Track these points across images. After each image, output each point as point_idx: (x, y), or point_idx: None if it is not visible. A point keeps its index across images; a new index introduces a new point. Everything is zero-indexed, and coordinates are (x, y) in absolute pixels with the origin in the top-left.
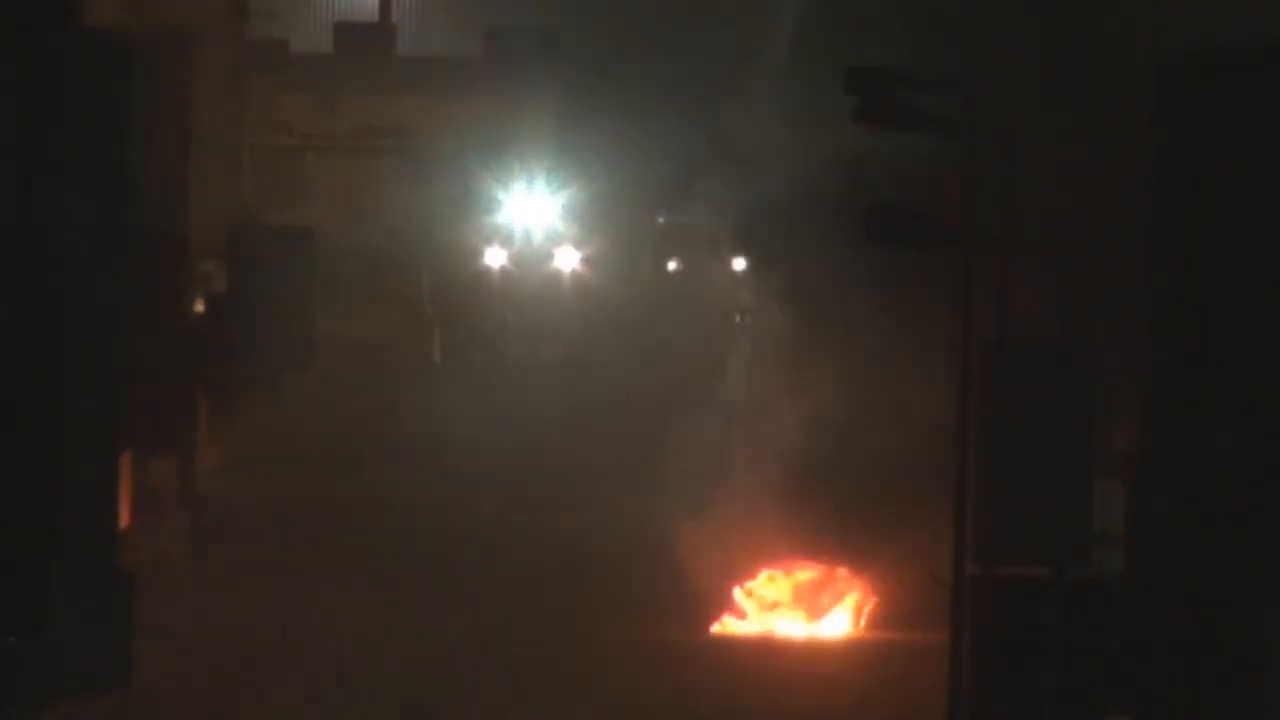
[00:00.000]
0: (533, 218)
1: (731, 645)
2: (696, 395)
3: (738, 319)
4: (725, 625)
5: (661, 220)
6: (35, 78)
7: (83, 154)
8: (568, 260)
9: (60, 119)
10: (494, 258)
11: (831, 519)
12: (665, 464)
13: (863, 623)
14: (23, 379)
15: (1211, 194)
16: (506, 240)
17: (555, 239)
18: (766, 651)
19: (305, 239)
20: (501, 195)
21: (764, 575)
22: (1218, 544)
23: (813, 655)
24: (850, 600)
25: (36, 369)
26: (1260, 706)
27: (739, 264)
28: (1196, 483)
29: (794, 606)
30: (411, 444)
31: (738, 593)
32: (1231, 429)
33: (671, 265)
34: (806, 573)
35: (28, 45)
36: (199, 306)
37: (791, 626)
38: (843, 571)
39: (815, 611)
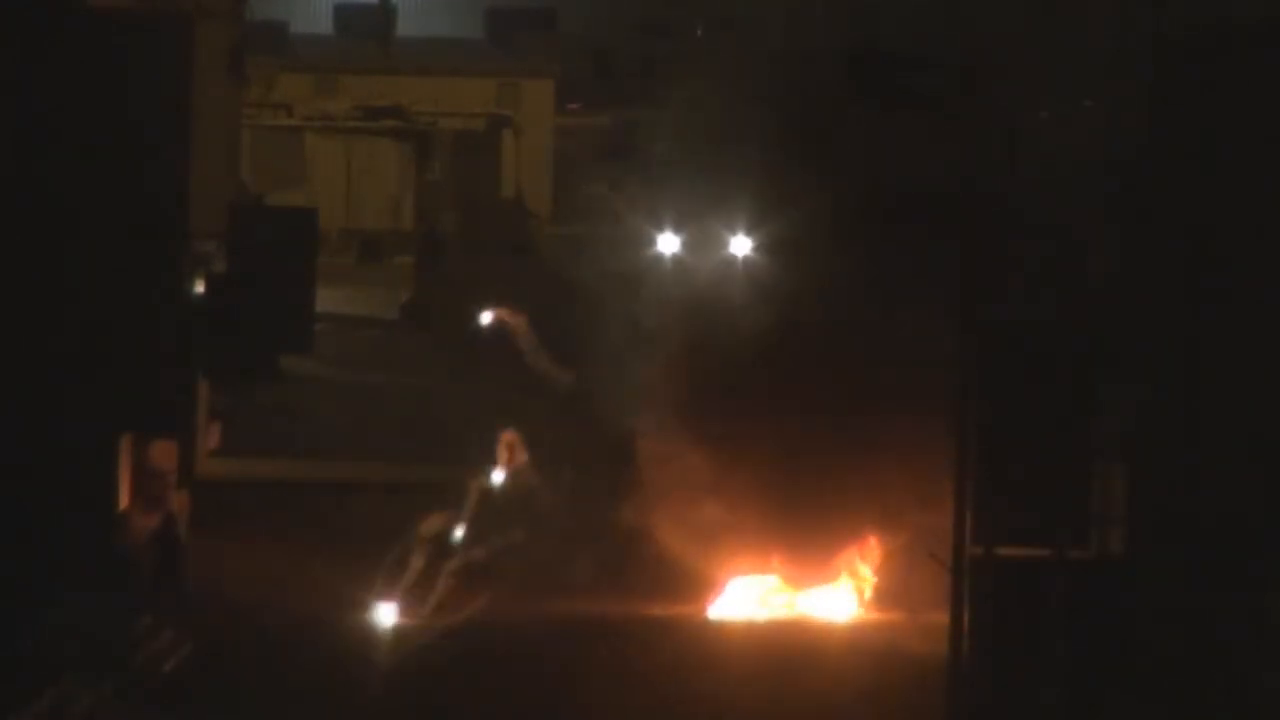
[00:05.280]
0: None
1: (730, 628)
2: None
3: None
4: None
5: None
6: (36, 58)
7: (83, 134)
8: None
9: (61, 99)
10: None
11: None
12: None
13: (865, 603)
14: (24, 360)
15: (1211, 175)
16: None
17: None
18: (766, 633)
19: (307, 219)
20: None
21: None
22: (1216, 527)
23: (814, 636)
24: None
25: (36, 350)
26: (1257, 688)
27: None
28: (1195, 465)
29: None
30: None
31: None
32: (1229, 413)
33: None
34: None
35: (29, 25)
36: (199, 287)
37: (791, 607)
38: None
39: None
